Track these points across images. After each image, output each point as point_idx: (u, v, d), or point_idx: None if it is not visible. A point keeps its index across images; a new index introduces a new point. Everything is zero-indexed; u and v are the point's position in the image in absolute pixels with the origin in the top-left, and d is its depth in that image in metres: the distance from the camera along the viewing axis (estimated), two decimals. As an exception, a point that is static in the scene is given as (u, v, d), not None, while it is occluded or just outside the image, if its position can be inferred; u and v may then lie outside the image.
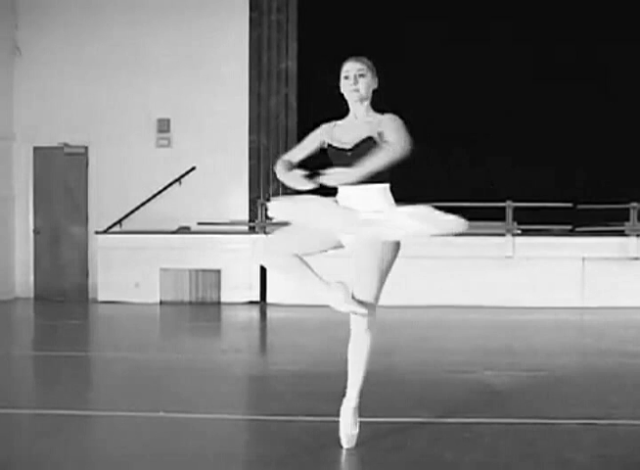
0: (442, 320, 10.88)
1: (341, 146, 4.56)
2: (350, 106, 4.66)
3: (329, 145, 4.61)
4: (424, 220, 4.35)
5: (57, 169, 13.77)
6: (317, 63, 12.68)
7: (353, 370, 4.58)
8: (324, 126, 4.70)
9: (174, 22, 13.50)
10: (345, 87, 4.62)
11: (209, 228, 12.81)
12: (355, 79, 4.58)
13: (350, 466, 4.49)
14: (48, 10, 13.69)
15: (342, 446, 4.57)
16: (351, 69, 4.60)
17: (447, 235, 4.46)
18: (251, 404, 6.17)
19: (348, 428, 4.60)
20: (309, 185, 4.46)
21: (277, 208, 4.67)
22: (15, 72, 13.76)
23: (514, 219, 12.26)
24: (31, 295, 13.77)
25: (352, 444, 4.59)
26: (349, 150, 4.52)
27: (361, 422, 4.70)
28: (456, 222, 4.37)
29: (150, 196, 13.27)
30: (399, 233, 4.40)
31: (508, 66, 12.92)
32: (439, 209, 4.46)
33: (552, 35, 12.96)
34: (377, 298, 4.58)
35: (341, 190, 4.57)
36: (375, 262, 4.51)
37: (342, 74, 4.63)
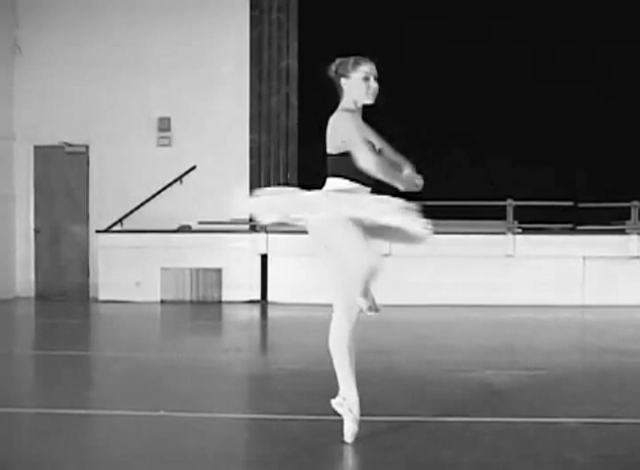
0: (443, 319, 10.88)
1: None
2: (359, 105, 4.65)
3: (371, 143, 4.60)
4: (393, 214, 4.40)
5: (57, 169, 13.77)
6: (318, 61, 12.68)
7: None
8: (357, 119, 4.62)
9: (174, 21, 13.50)
10: (366, 89, 4.60)
11: (210, 227, 12.81)
12: (376, 83, 4.63)
13: (350, 465, 4.49)
14: (48, 9, 13.70)
15: (344, 442, 4.58)
16: (371, 71, 4.61)
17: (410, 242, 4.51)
18: (252, 404, 6.17)
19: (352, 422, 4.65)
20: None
21: (254, 205, 4.74)
22: (15, 72, 13.77)
23: (515, 218, 12.27)
24: (32, 294, 13.78)
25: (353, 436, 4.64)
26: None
27: (361, 420, 4.70)
28: (421, 232, 4.45)
29: (150, 195, 13.28)
30: (365, 213, 4.41)
31: (508, 66, 12.93)
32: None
33: (552, 35, 12.98)
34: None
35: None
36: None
37: (362, 75, 4.59)
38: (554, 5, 13.02)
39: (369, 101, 4.63)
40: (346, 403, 4.63)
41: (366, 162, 4.40)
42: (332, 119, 4.59)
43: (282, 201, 4.66)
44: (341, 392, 4.68)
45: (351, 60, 4.65)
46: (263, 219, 4.75)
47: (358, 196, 4.50)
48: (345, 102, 4.64)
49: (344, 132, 4.48)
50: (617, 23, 12.90)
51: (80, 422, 5.30)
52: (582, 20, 12.89)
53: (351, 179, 4.53)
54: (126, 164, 13.52)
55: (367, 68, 4.61)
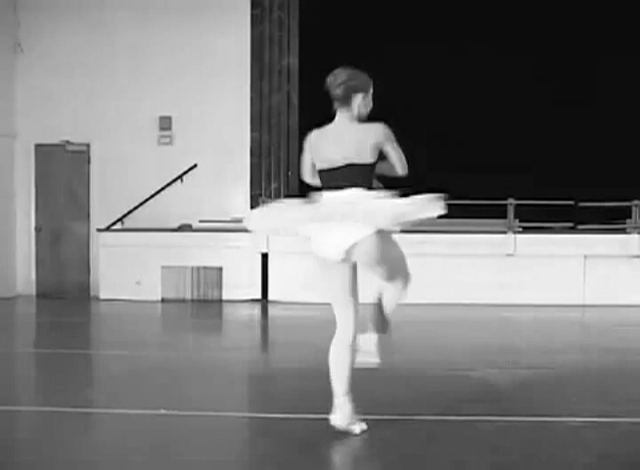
0: (444, 318, 10.87)
1: None
2: (362, 118, 4.71)
3: None
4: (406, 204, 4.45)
5: (58, 167, 13.76)
6: (319, 60, 12.69)
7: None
8: None
9: (176, 19, 13.49)
10: (370, 105, 4.75)
11: (211, 226, 12.79)
12: None
13: (350, 464, 4.49)
14: (49, 9, 13.67)
15: (345, 441, 4.59)
16: None
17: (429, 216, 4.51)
18: (252, 403, 6.17)
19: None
20: None
21: (254, 220, 4.77)
22: (16, 70, 13.75)
23: (515, 217, 12.26)
24: (33, 292, 13.77)
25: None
26: None
27: (363, 419, 4.72)
28: (434, 203, 4.44)
29: (151, 194, 13.27)
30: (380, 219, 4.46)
31: (507, 68, 12.93)
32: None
33: (551, 39, 13.01)
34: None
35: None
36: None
37: (371, 91, 4.73)
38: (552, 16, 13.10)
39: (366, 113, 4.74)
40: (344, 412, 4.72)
41: (405, 166, 4.67)
42: (358, 130, 4.62)
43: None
44: (338, 407, 4.74)
45: (365, 75, 4.71)
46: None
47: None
48: (354, 114, 4.68)
49: (389, 141, 4.61)
50: (616, 22, 12.96)
51: (81, 421, 5.30)
52: (579, 22, 12.94)
53: (368, 188, 4.58)
54: (127, 163, 13.51)
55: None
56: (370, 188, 4.58)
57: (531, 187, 12.35)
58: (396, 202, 4.45)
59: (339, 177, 4.59)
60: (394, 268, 4.66)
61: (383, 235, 4.49)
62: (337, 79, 4.65)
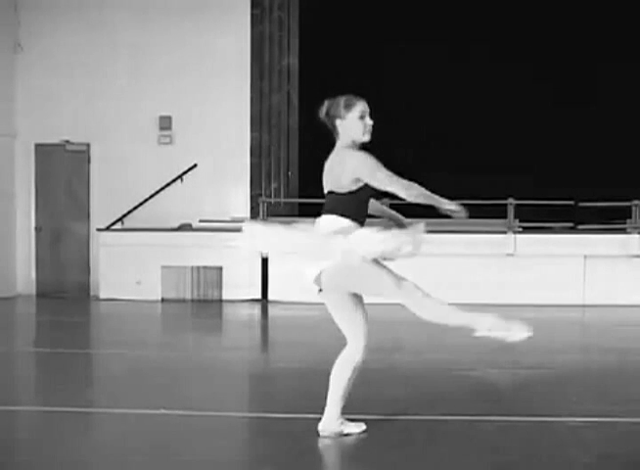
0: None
1: None
2: (357, 144, 4.63)
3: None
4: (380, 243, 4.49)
5: (58, 167, 13.76)
6: (319, 60, 12.72)
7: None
8: None
9: (176, 19, 13.49)
10: (364, 127, 4.60)
11: (211, 225, 12.78)
12: (370, 120, 4.65)
13: (351, 463, 4.49)
14: (50, 8, 13.67)
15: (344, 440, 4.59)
16: (365, 109, 4.63)
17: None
18: (253, 402, 6.17)
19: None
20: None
21: (251, 232, 4.63)
22: (16, 70, 13.75)
23: (515, 217, 12.25)
24: (33, 292, 13.77)
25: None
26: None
27: (362, 420, 4.72)
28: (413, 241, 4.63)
29: (151, 193, 13.27)
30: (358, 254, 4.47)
31: (507, 68, 12.94)
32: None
33: (551, 39, 13.03)
34: None
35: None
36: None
37: (357, 114, 4.58)
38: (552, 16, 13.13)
39: (366, 139, 4.63)
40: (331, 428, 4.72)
41: (409, 190, 4.45)
42: (339, 158, 4.58)
43: (291, 241, 4.56)
44: (325, 414, 4.73)
45: (342, 100, 4.64)
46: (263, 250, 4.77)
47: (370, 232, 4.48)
48: (344, 141, 4.63)
49: (368, 170, 4.47)
50: (615, 22, 12.98)
51: (81, 420, 5.30)
52: (579, 22, 12.97)
53: (353, 219, 4.53)
54: (127, 163, 13.50)
55: (361, 106, 4.62)
56: (351, 217, 4.51)
57: (531, 187, 12.36)
58: (360, 237, 4.44)
59: (325, 204, 4.63)
60: (381, 291, 4.74)
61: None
62: (321, 111, 4.67)
